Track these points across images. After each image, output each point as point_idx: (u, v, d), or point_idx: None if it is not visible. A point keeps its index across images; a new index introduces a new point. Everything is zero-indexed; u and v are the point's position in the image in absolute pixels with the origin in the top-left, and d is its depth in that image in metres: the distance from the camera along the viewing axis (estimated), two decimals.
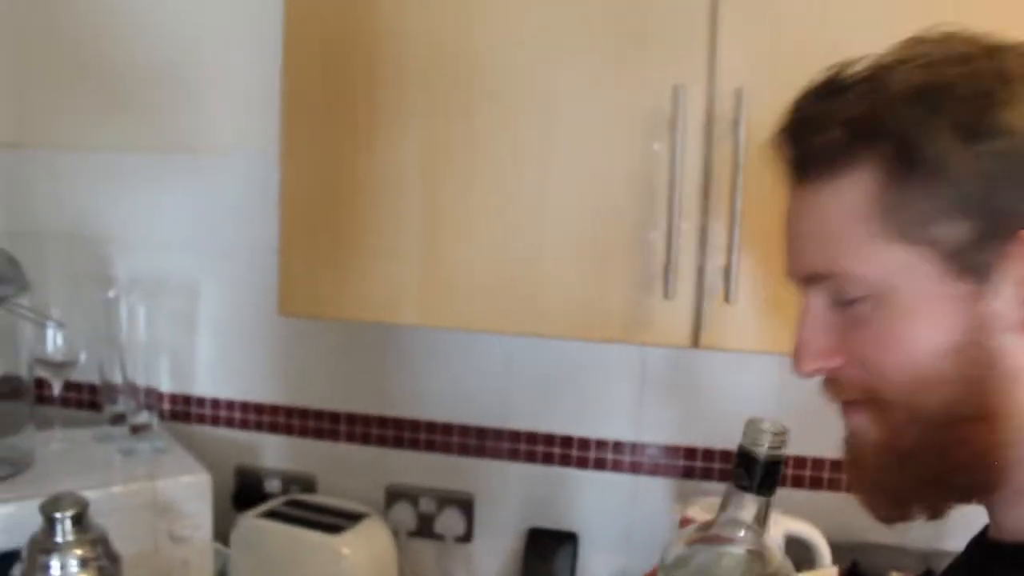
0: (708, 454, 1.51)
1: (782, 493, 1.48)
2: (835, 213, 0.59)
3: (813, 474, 1.50)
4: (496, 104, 1.14)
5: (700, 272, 1.14)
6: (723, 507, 0.61)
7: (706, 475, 1.51)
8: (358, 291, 1.20)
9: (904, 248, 0.56)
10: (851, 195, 0.58)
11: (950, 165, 0.54)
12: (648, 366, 1.51)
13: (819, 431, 1.52)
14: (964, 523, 1.48)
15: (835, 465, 1.50)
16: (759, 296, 1.13)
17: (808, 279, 0.62)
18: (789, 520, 1.32)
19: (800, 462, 1.50)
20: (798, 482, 1.50)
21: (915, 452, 0.58)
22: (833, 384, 0.62)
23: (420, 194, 1.17)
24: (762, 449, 0.58)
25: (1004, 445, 0.56)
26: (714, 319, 1.14)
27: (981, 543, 0.64)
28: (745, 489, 0.59)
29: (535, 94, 1.14)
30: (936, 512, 0.60)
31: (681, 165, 1.09)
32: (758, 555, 0.60)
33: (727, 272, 1.11)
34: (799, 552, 1.36)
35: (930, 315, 0.56)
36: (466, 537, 1.57)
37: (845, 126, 0.58)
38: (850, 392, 0.61)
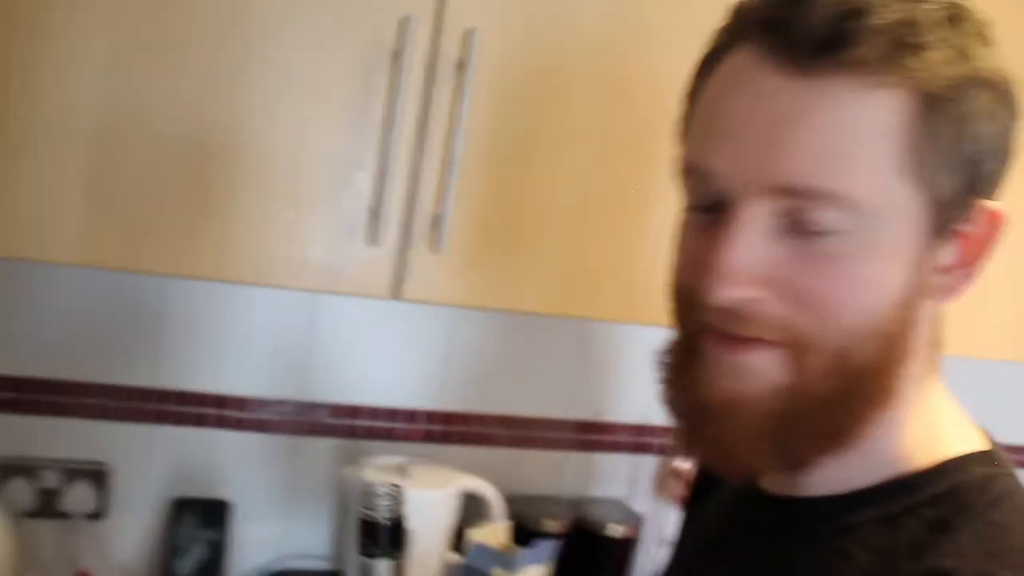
0: (374, 412, 1.46)
1: (463, 451, 1.48)
2: (858, 126, 0.50)
3: (480, 430, 1.51)
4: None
5: (408, 219, 1.08)
6: None
7: (371, 434, 1.46)
8: None
9: (911, 187, 0.52)
10: (883, 112, 0.50)
11: (980, 123, 0.52)
12: (316, 317, 1.42)
13: (486, 389, 1.57)
14: (611, 471, 1.61)
15: (498, 421, 1.52)
16: (470, 248, 1.10)
17: (770, 191, 0.52)
18: (467, 478, 1.31)
19: (465, 419, 1.50)
20: (463, 439, 1.51)
21: (824, 402, 0.54)
22: (739, 316, 0.53)
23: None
24: (382, 514, 0.58)
25: (885, 408, 0.56)
26: (419, 270, 1.09)
27: (762, 498, 0.63)
28: (375, 556, 0.58)
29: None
30: (802, 465, 0.57)
31: (401, 103, 1.02)
32: None
33: (437, 220, 1.07)
34: (475, 506, 1.37)
35: (899, 263, 0.53)
36: (98, 514, 1.37)
37: (909, 28, 0.50)
38: (764, 329, 0.53)
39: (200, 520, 1.39)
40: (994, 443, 0.61)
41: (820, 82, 0.50)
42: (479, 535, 1.26)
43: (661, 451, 1.62)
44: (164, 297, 1.35)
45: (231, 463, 1.42)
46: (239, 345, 1.39)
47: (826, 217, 0.51)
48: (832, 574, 0.57)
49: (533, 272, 1.14)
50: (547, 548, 1.29)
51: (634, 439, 1.61)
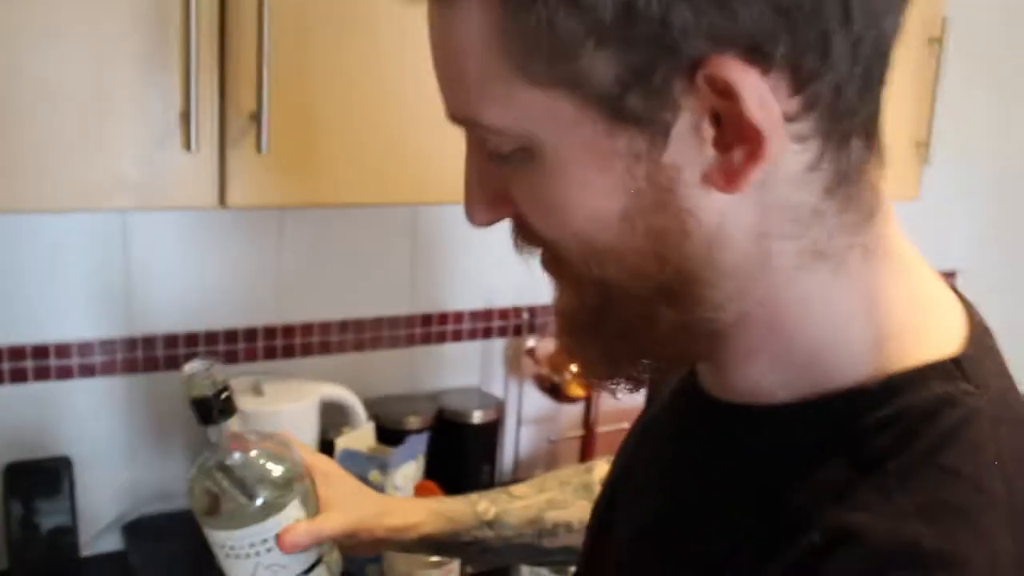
0: (211, 337, 1.38)
1: (311, 362, 1.43)
2: (459, 44, 0.45)
3: (324, 339, 1.46)
4: None
5: (223, 119, 1.00)
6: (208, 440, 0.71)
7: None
8: None
9: (539, 91, 0.44)
10: (475, 20, 0.44)
11: None
12: (130, 242, 1.32)
13: (324, 295, 1.50)
14: (462, 360, 1.60)
15: (342, 327, 1.47)
16: (293, 144, 1.03)
17: (455, 121, 0.50)
18: (324, 386, 1.27)
19: (306, 329, 1.45)
20: (307, 350, 1.45)
21: (605, 321, 0.50)
22: (517, 233, 0.52)
23: None
24: (208, 390, 0.68)
25: (714, 311, 0.48)
26: (242, 173, 1.01)
27: (699, 400, 0.56)
28: (210, 423, 0.69)
29: None
30: (647, 375, 0.53)
31: None
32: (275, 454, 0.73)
33: (257, 118, 0.99)
34: (335, 415, 1.32)
35: (587, 175, 0.45)
36: None
37: None
38: (533, 244, 0.51)
39: (39, 484, 1.28)
40: (977, 341, 0.49)
41: (439, 8, 0.47)
42: (346, 442, 1.23)
43: (511, 333, 1.62)
44: None
45: (63, 417, 1.31)
46: (49, 286, 1.27)
47: (489, 140, 0.48)
48: (728, 505, 0.50)
49: (359, 162, 1.09)
50: (418, 442, 1.27)
51: (481, 325, 1.60)
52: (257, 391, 1.22)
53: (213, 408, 0.68)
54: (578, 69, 0.43)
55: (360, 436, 1.26)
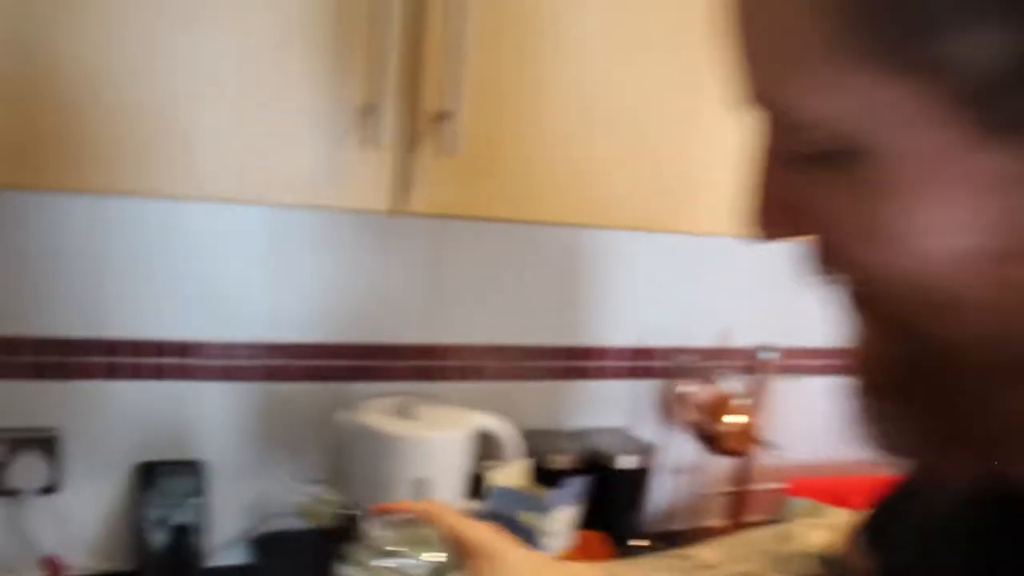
0: (357, 350, 1.30)
1: (456, 387, 1.34)
2: (781, 9, 0.35)
3: (470, 363, 1.37)
4: None
5: (408, 116, 0.92)
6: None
7: (354, 374, 1.31)
8: None
9: (883, 78, 0.33)
10: None
11: None
12: (285, 241, 1.25)
13: (476, 316, 1.42)
14: (612, 402, 1.50)
15: (489, 352, 1.38)
16: (482, 149, 0.95)
17: (762, 106, 0.39)
18: (479, 415, 1.17)
19: (456, 351, 1.36)
20: (467, 374, 1.37)
21: (926, 388, 0.39)
22: (817, 256, 0.40)
23: None
24: (320, 522, 0.67)
25: None
26: (426, 177, 0.93)
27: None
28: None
29: None
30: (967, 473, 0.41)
31: None
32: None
33: (446, 118, 0.91)
34: (484, 447, 1.23)
35: (933, 195, 0.34)
36: (52, 487, 1.19)
37: None
38: (839, 272, 0.40)
39: (170, 485, 1.23)
40: None
41: None
42: (500, 478, 1.13)
43: (663, 374, 1.51)
44: (100, 229, 1.17)
45: (198, 419, 1.25)
46: (196, 282, 1.22)
47: (801, 133, 0.36)
48: None
49: (546, 177, 0.99)
50: (575, 487, 1.17)
51: (632, 363, 1.49)
52: (407, 414, 1.14)
53: (341, 532, 0.62)
54: (944, 52, 0.31)
55: (513, 472, 1.16)
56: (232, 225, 1.21)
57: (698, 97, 1.02)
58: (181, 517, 1.21)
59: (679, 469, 1.52)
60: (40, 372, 1.17)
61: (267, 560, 1.26)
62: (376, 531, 0.66)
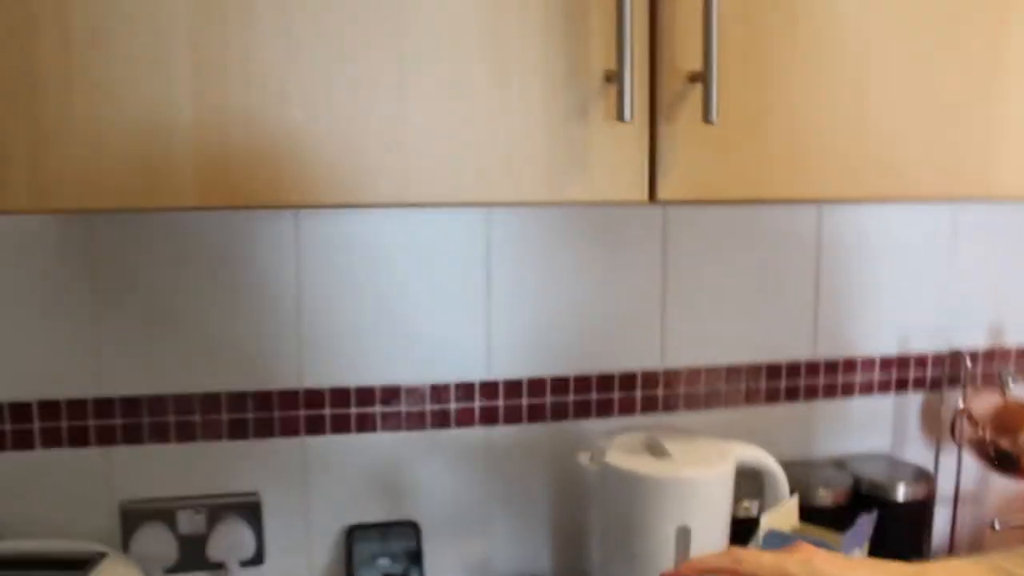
0: (581, 383, 1.13)
1: (693, 417, 1.15)
2: None
3: (708, 389, 1.18)
4: None
5: (660, 82, 0.75)
6: None
7: (578, 412, 1.14)
8: None
9: None
10: None
11: None
12: (488, 249, 1.10)
13: (710, 331, 1.23)
14: (872, 422, 1.27)
15: (728, 374, 1.19)
16: (749, 115, 0.77)
17: None
18: (738, 447, 0.98)
19: (692, 376, 1.17)
20: (704, 401, 1.17)
21: None
22: None
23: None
24: None
25: None
26: (678, 155, 0.76)
27: None
28: None
29: None
30: None
31: None
32: None
33: (704, 79, 0.73)
34: (741, 483, 1.03)
35: None
36: (257, 558, 1.06)
37: None
38: None
39: (383, 550, 1.08)
40: None
41: None
42: (772, 521, 0.93)
43: (930, 385, 1.28)
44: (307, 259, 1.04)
45: (410, 473, 1.10)
46: (399, 321, 1.08)
47: None
48: None
49: (820, 151, 0.80)
50: (864, 527, 0.95)
51: (893, 375, 1.26)
52: (657, 450, 0.95)
53: None
54: None
55: (785, 513, 0.95)
56: (435, 237, 1.07)
57: (998, 38, 0.82)
58: None
59: (961, 498, 1.28)
60: (234, 431, 1.04)
61: None
62: None
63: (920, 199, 0.85)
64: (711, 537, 0.93)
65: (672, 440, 0.98)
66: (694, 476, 0.90)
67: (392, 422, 1.07)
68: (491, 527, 1.13)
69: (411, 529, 1.09)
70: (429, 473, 1.10)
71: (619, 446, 0.97)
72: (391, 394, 1.07)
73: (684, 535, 0.91)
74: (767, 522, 0.93)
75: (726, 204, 0.96)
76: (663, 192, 0.76)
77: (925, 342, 1.27)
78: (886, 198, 0.83)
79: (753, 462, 0.98)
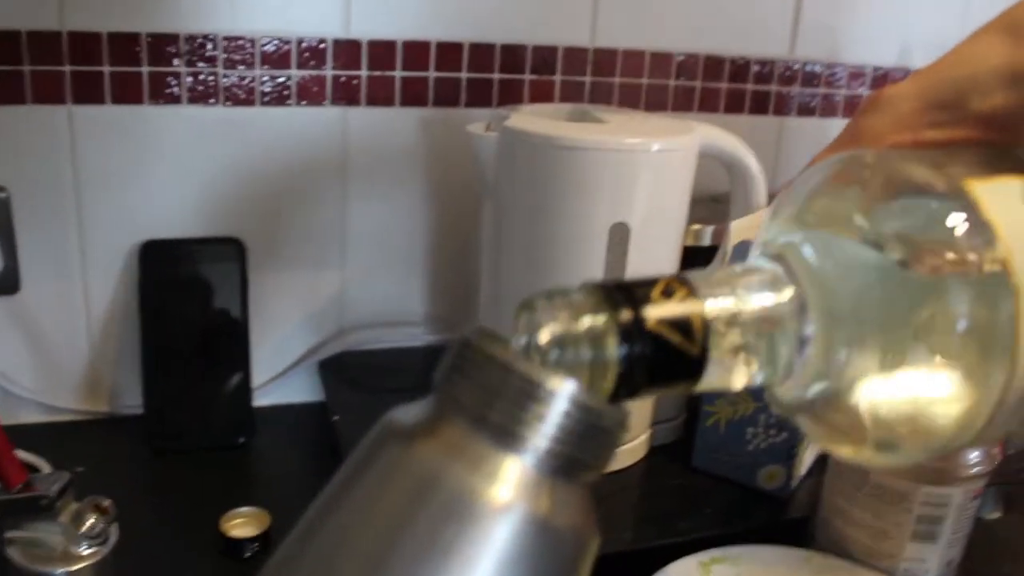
0: (483, 54, 0.81)
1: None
2: None
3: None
4: None
5: None
6: None
7: (471, 95, 0.81)
8: None
9: None
10: None
11: None
12: None
13: None
14: None
15: (686, 65, 0.88)
16: None
17: None
18: (704, 127, 0.67)
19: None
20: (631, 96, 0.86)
21: None
22: None
23: None
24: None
25: None
26: None
27: None
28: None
29: None
30: None
31: None
32: None
33: None
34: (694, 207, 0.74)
35: None
36: (8, 284, 0.74)
37: None
38: None
39: (191, 273, 0.77)
40: None
41: None
42: (744, 230, 0.64)
43: None
44: None
45: (228, 167, 0.78)
46: None
47: None
48: None
49: None
50: None
51: None
52: (587, 119, 0.65)
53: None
54: None
55: (759, 221, 0.67)
56: None
57: None
58: (212, 325, 0.76)
59: None
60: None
61: (344, 391, 0.80)
62: None
63: None
64: (660, 247, 0.64)
65: (611, 113, 0.67)
66: (639, 145, 0.59)
67: (202, 91, 0.74)
68: (344, 251, 0.82)
69: (233, 248, 0.77)
70: (258, 169, 0.77)
71: (531, 112, 0.66)
72: (200, 48, 0.73)
73: (620, 236, 0.61)
74: (737, 231, 0.64)
75: None
76: None
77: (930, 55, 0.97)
78: None
79: (724, 150, 0.68)
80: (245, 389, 0.78)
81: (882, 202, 0.30)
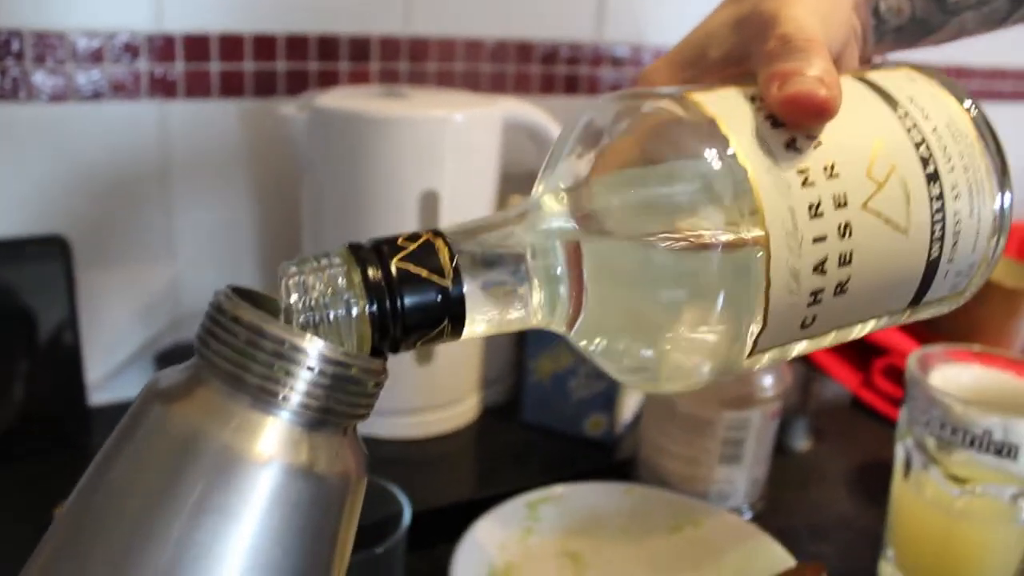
0: (298, 45, 0.83)
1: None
2: None
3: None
4: None
5: None
6: None
7: (288, 84, 0.84)
8: None
9: None
10: None
11: None
12: None
13: None
14: None
15: (499, 51, 0.92)
16: None
17: None
18: (506, 101, 0.72)
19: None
20: (447, 81, 0.90)
21: None
22: None
23: None
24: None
25: None
26: None
27: None
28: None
29: None
30: None
31: None
32: None
33: None
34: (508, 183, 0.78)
35: None
36: None
37: None
38: None
39: (13, 275, 0.76)
40: None
41: None
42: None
43: None
44: None
45: (49, 161, 0.77)
46: None
47: None
48: None
49: None
50: None
51: None
52: (396, 96, 0.68)
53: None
54: None
55: None
56: None
57: None
58: (37, 326, 0.75)
59: None
60: None
61: None
62: None
63: None
64: (472, 215, 0.68)
65: (419, 91, 0.71)
66: (445, 116, 0.63)
67: (11, 89, 0.74)
68: (172, 244, 0.82)
69: (56, 247, 0.77)
70: (78, 167, 0.77)
71: (341, 93, 0.69)
72: (5, 44, 0.73)
73: (430, 203, 0.65)
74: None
75: None
76: None
77: None
78: None
79: (528, 121, 0.72)
80: (78, 388, 0.78)
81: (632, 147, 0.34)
